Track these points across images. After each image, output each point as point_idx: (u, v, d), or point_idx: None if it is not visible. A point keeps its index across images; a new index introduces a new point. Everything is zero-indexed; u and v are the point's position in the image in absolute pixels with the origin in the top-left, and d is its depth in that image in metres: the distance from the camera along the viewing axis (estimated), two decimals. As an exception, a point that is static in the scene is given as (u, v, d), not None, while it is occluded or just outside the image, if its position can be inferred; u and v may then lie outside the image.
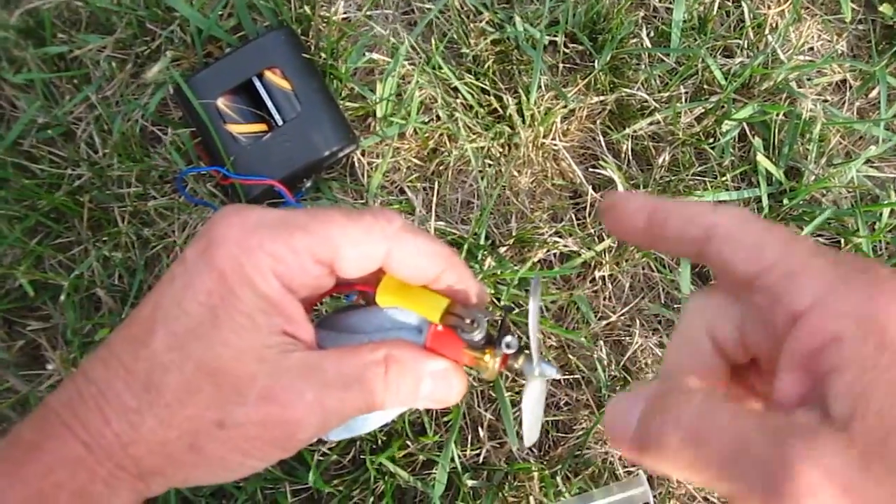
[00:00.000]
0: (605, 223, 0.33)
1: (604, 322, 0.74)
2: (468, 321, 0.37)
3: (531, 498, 0.69)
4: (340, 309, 0.44)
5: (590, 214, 0.75)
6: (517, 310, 0.72)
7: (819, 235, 0.76)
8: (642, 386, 0.29)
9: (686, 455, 0.26)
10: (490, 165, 0.74)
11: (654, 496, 0.69)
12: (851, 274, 0.27)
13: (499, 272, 0.71)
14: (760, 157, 0.74)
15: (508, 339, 0.37)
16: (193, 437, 0.33)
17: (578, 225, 0.74)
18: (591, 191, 0.74)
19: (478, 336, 0.37)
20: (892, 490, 0.24)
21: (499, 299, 0.71)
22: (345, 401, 0.36)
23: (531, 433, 0.41)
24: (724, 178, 0.75)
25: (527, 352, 0.38)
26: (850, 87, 0.81)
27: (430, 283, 0.38)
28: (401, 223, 0.37)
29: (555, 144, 0.75)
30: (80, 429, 0.33)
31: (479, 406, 0.71)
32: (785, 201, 0.74)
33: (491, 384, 0.71)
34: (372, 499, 0.70)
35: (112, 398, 0.33)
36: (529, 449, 0.72)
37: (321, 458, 0.69)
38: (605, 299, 0.74)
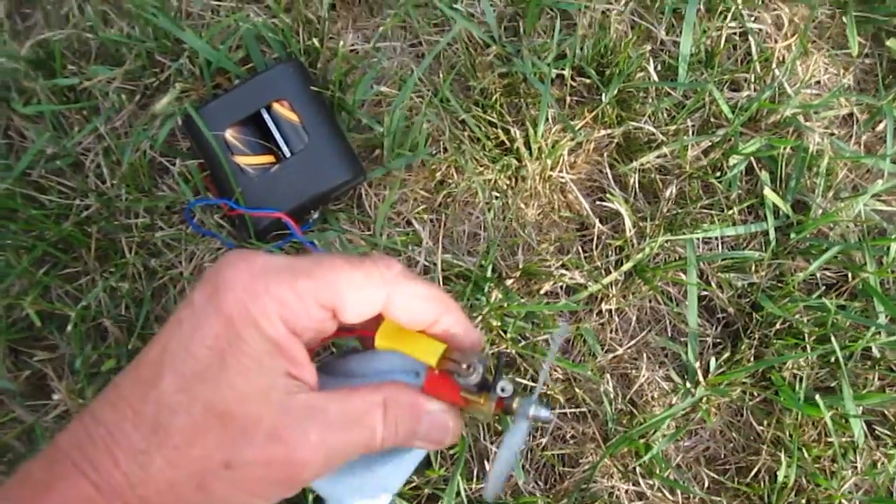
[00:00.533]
0: None
1: (610, 355, 0.73)
2: (465, 366, 0.38)
3: (537, 533, 0.69)
4: (340, 354, 0.45)
5: (596, 247, 0.74)
6: (522, 342, 0.71)
7: (826, 269, 0.76)
8: None
9: None
10: (497, 198, 0.74)
11: (661, 532, 0.69)
12: None
13: (505, 304, 0.71)
14: (767, 191, 0.74)
15: (503, 384, 0.38)
16: (201, 478, 0.34)
17: (585, 257, 0.74)
18: (598, 223, 0.74)
19: (474, 380, 0.38)
20: None
21: (505, 331, 0.71)
22: (347, 440, 0.37)
23: (496, 484, 0.41)
24: (731, 212, 0.75)
25: (525, 393, 0.39)
26: (857, 121, 0.81)
27: (429, 327, 0.39)
28: (399, 269, 0.38)
29: (562, 177, 0.75)
30: (91, 470, 0.33)
31: (484, 439, 0.71)
32: (792, 235, 0.74)
33: (497, 417, 0.71)
34: (377, 532, 0.69)
35: (121, 439, 0.34)
36: (535, 482, 0.72)
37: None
38: (611, 332, 0.74)
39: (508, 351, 0.70)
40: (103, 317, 0.71)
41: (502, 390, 0.38)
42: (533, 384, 0.70)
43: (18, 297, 0.71)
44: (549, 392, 0.71)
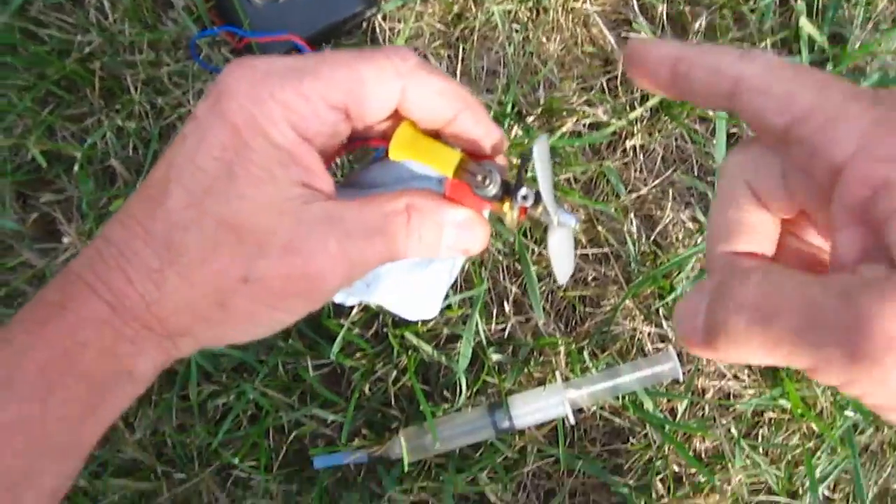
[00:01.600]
0: (630, 74, 0.30)
1: (634, 195, 0.71)
2: (480, 178, 0.36)
3: (557, 373, 0.68)
4: (360, 168, 0.43)
5: (622, 83, 0.71)
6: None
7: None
8: (705, 282, 0.27)
9: (756, 336, 0.24)
10: (517, 31, 0.71)
11: (684, 372, 0.67)
12: (892, 114, 0.24)
13: (526, 142, 0.68)
14: (803, 21, 0.70)
15: (524, 191, 0.36)
16: (219, 295, 0.33)
17: (609, 93, 0.71)
18: (623, 58, 0.71)
19: (491, 192, 0.36)
20: None
21: (526, 170, 0.68)
22: (368, 250, 0.35)
23: (562, 272, 0.40)
24: (763, 45, 0.71)
25: (544, 201, 0.37)
26: (900, -50, 0.76)
27: (447, 125, 0.37)
28: (416, 61, 0.36)
29: (586, 8, 0.71)
30: (104, 289, 0.32)
31: (504, 280, 0.69)
32: (828, 68, 0.70)
33: (517, 258, 0.69)
34: (395, 373, 0.68)
35: (132, 258, 0.33)
36: (556, 324, 0.71)
37: (345, 332, 0.67)
38: (635, 171, 0.71)
39: (529, 153, 0.67)
40: (111, 157, 0.69)
41: (523, 198, 0.36)
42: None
43: (22, 136, 0.69)
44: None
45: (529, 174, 0.38)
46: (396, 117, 0.37)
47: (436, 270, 0.44)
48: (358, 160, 0.67)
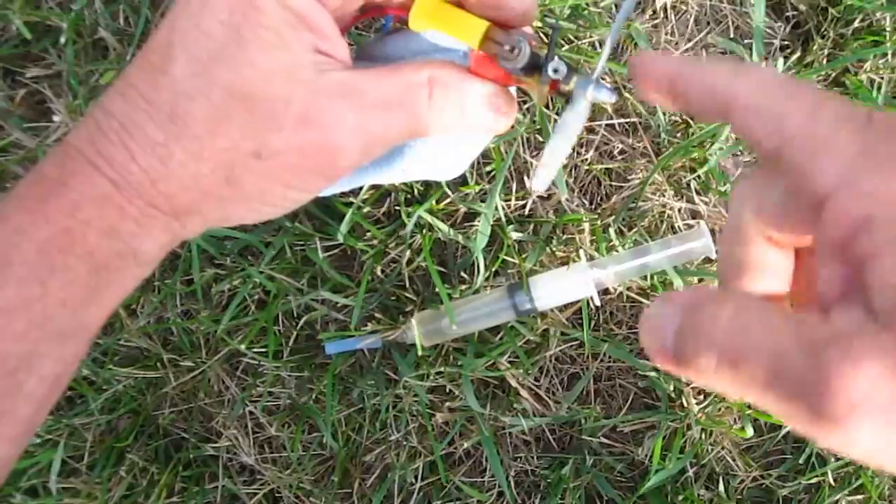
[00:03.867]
0: (633, 80, 0.29)
1: (665, 59, 0.65)
2: (507, 48, 0.33)
3: (581, 252, 0.64)
4: (376, 38, 0.40)
5: (651, -64, 0.65)
6: (566, 46, 0.64)
7: None
8: (679, 294, 0.25)
9: (725, 376, 0.23)
10: None
11: (717, 249, 0.63)
12: (880, 143, 0.22)
13: (546, 2, 0.63)
14: None
15: (555, 64, 0.33)
16: (229, 171, 0.31)
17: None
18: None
19: (520, 63, 0.33)
20: None
21: (547, 35, 0.63)
22: (388, 124, 0.33)
23: (546, 173, 0.36)
24: None
25: (579, 73, 0.33)
26: None
27: None
28: None
29: None
30: (106, 165, 0.30)
31: (524, 153, 0.65)
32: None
33: (538, 129, 0.64)
34: (409, 253, 0.65)
35: (135, 131, 0.30)
36: (580, 199, 0.66)
37: (354, 210, 0.63)
38: (666, 34, 0.66)
39: (560, 24, 0.62)
40: (100, 28, 0.65)
41: (555, 71, 0.33)
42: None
43: (5, 6, 0.64)
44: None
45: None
46: None
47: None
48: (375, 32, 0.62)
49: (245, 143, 0.31)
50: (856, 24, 0.65)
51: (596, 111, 0.65)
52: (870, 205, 0.22)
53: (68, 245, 0.30)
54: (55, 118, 0.66)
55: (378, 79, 0.33)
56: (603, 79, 0.35)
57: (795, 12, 0.67)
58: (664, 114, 0.65)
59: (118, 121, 0.30)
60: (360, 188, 0.64)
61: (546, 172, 0.36)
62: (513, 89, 0.37)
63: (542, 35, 0.63)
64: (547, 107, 0.64)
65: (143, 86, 0.31)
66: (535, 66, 0.34)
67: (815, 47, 0.65)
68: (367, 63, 0.37)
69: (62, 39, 0.64)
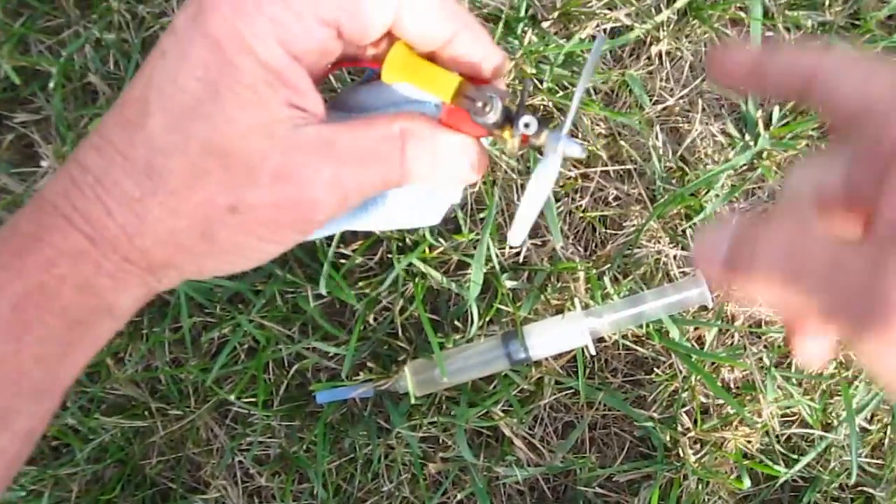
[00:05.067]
0: (711, 72, 0.31)
1: (659, 106, 0.65)
2: (480, 104, 0.33)
3: (576, 300, 0.63)
4: (349, 88, 0.41)
5: (645, -18, 0.65)
6: (560, 93, 0.63)
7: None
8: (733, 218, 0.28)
9: (777, 278, 0.25)
10: (530, -74, 0.64)
11: (713, 298, 0.62)
12: None
13: (541, 49, 0.62)
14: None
15: (526, 119, 0.34)
16: (205, 226, 0.31)
17: (632, -5, 0.65)
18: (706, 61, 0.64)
19: (492, 119, 0.34)
20: None
21: (541, 80, 0.63)
22: (363, 177, 0.33)
23: (521, 227, 0.37)
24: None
25: (551, 126, 0.35)
26: None
27: (445, 46, 0.34)
28: None
29: None
30: (81, 221, 0.30)
31: (517, 201, 0.64)
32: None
33: (523, 153, 0.63)
34: (402, 302, 0.64)
35: (111, 187, 0.30)
36: (575, 247, 0.65)
37: (343, 260, 0.62)
38: (661, 80, 0.65)
39: (531, 80, 0.61)
40: (90, 72, 0.64)
41: (525, 126, 0.34)
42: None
43: (-7, 50, 0.63)
44: (590, 146, 0.64)
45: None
46: (390, 40, 0.35)
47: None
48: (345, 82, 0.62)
49: (221, 198, 0.31)
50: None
51: (591, 158, 0.64)
52: None
53: (43, 301, 0.30)
54: (43, 163, 0.65)
55: (351, 132, 0.33)
56: (573, 133, 0.35)
57: (791, 59, 0.67)
58: (659, 160, 0.64)
59: (93, 175, 0.30)
60: (355, 234, 0.63)
61: (521, 226, 0.36)
62: (486, 140, 0.37)
63: (536, 81, 0.63)
64: (539, 151, 0.64)
65: (118, 141, 0.30)
66: (507, 120, 0.34)
67: (810, 94, 0.65)
68: (341, 113, 0.38)
69: (51, 84, 0.63)
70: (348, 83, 0.63)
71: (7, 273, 0.30)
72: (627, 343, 0.66)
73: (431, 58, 0.35)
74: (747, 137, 0.65)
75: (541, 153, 0.35)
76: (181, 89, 0.30)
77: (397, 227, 0.43)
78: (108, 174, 0.30)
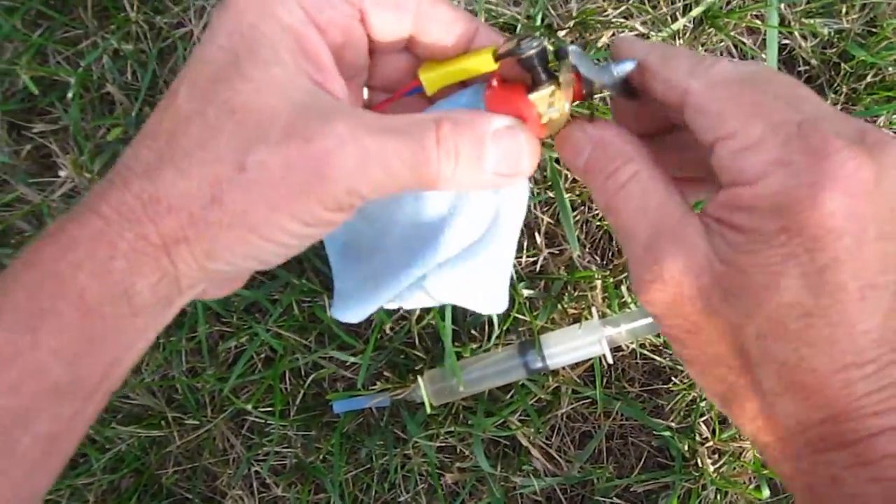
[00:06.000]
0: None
1: (676, 114, 0.65)
2: (517, 41, 0.32)
3: (593, 309, 0.63)
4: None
5: (661, -9, 0.65)
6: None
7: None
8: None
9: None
10: (546, -64, 0.64)
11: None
12: (796, 153, 0.27)
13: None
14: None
15: (572, 47, 0.32)
16: (214, 187, 0.30)
17: (648, 3, 0.65)
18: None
19: (536, 47, 0.32)
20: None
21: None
22: (387, 145, 0.30)
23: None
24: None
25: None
26: None
27: (465, 46, 0.35)
28: None
29: None
30: (101, 203, 0.30)
31: (535, 209, 0.64)
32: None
33: (548, 185, 0.63)
34: (418, 311, 0.63)
35: (134, 164, 0.30)
36: (592, 256, 0.65)
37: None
38: (678, 89, 0.65)
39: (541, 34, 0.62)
40: (107, 83, 0.64)
41: (572, 53, 0.31)
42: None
43: (12, 61, 0.64)
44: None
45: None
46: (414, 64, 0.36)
47: (496, 245, 0.40)
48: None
49: (230, 154, 0.29)
50: (868, 78, 0.65)
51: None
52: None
53: (58, 289, 0.29)
54: (61, 173, 0.65)
55: (379, 114, 0.31)
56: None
57: (808, 67, 0.67)
58: (676, 169, 0.64)
59: (123, 163, 0.31)
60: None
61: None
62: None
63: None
64: (557, 161, 0.64)
65: (148, 127, 0.31)
66: (550, 75, 0.33)
67: (828, 102, 0.65)
68: None
69: (69, 94, 0.63)
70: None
71: (24, 264, 0.30)
72: (645, 352, 0.65)
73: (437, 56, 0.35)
74: (764, 145, 0.64)
75: (591, 96, 0.33)
76: (206, 61, 0.31)
77: (466, 305, 0.43)
78: (134, 155, 0.31)
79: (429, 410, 0.62)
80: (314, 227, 0.31)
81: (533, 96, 0.33)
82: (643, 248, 0.31)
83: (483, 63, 0.33)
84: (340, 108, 0.31)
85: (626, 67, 0.32)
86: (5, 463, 0.29)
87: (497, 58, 0.33)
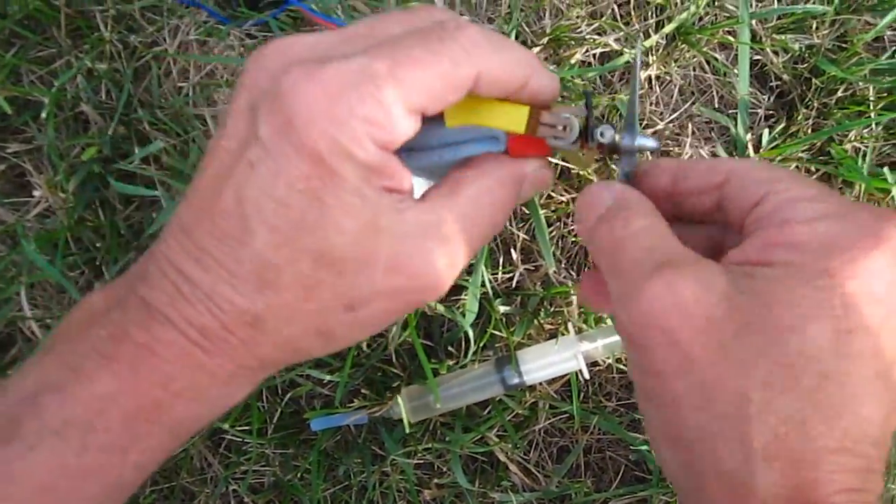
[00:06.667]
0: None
1: (650, 130, 0.65)
2: (560, 127, 0.33)
3: (570, 324, 0.63)
4: None
5: (634, 8, 0.65)
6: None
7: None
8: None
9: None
10: (519, -47, 0.65)
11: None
12: (852, 210, 0.28)
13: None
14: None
15: (602, 128, 0.33)
16: (322, 326, 0.31)
17: (621, 20, 0.65)
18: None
19: (572, 139, 0.33)
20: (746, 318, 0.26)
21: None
22: (472, 249, 0.33)
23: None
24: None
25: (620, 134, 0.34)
26: None
27: (515, 93, 0.33)
28: (480, 37, 0.31)
29: (594, -74, 0.65)
30: (197, 335, 0.30)
31: (511, 225, 0.64)
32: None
33: (524, 202, 0.63)
34: (395, 328, 0.64)
35: (222, 303, 0.30)
36: (567, 272, 0.66)
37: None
38: (651, 104, 0.66)
39: (591, 89, 0.62)
40: (81, 102, 0.64)
41: (601, 135, 0.33)
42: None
43: (-15, 81, 0.64)
44: (582, 171, 0.64)
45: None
46: None
47: None
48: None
49: (336, 301, 0.31)
50: (839, 93, 0.65)
51: (581, 182, 0.64)
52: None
53: (155, 416, 0.30)
54: (35, 193, 0.65)
55: (448, 201, 0.33)
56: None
57: (779, 82, 0.67)
58: (650, 184, 0.64)
59: (203, 291, 0.30)
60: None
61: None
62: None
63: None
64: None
65: (220, 255, 0.30)
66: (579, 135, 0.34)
67: (799, 117, 0.65)
68: (404, 153, 0.37)
69: (43, 114, 0.63)
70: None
71: (121, 385, 0.29)
72: (621, 367, 0.66)
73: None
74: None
75: (612, 157, 0.34)
76: (283, 204, 0.29)
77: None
78: (215, 290, 0.30)
79: (407, 427, 0.62)
80: None
81: (553, 143, 0.34)
82: (651, 269, 0.28)
83: (514, 123, 0.33)
84: (428, 227, 0.32)
85: (650, 143, 0.34)
86: None
87: (529, 128, 0.33)
